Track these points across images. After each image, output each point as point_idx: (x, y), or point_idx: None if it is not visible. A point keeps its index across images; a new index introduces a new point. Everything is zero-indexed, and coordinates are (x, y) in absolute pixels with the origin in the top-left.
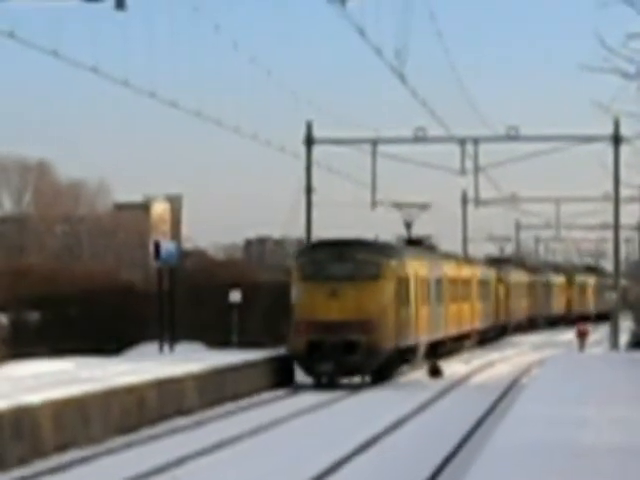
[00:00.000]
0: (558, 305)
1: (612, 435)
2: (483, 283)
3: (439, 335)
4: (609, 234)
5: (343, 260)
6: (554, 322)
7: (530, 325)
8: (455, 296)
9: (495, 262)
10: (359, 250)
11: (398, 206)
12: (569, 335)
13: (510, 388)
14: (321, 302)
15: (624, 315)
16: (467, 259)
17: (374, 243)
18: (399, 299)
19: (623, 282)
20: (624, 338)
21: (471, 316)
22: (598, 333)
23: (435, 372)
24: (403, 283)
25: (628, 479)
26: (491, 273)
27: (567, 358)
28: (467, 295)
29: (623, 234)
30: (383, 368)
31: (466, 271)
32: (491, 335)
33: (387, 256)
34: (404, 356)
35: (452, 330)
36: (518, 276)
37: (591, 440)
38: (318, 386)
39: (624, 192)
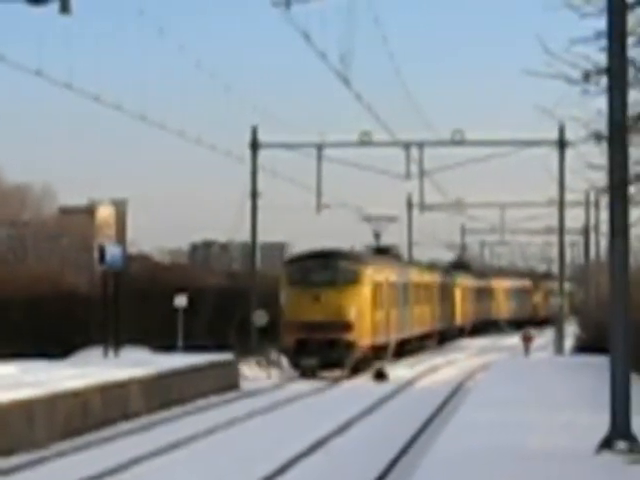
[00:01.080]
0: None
1: (557, 440)
2: (442, 288)
3: (406, 334)
4: (554, 238)
5: (326, 268)
6: (520, 324)
7: (487, 327)
8: (419, 300)
9: (453, 267)
10: (339, 259)
11: (367, 219)
12: (514, 339)
13: (455, 392)
14: (307, 305)
15: (570, 320)
16: (428, 266)
17: (352, 253)
18: (374, 302)
19: (568, 287)
20: (569, 342)
21: (432, 318)
22: (544, 337)
23: (380, 376)
24: (377, 288)
25: (569, 478)
26: (449, 279)
27: (512, 363)
28: (429, 299)
29: (568, 238)
30: (360, 363)
31: (427, 277)
32: (449, 335)
33: (363, 264)
34: (378, 352)
35: (417, 330)
36: (473, 281)
37: (536, 445)
38: (304, 378)
39: (569, 197)
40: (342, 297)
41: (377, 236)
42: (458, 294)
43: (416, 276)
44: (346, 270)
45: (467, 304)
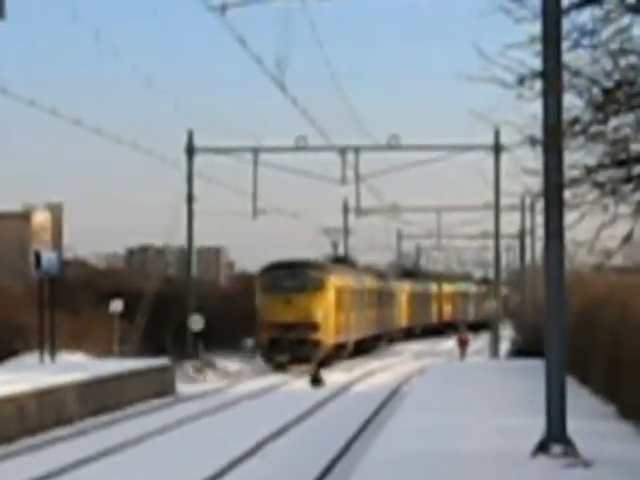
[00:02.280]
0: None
1: (491, 442)
2: (391, 294)
3: (362, 335)
4: (490, 243)
5: (295, 276)
6: (474, 327)
7: (443, 329)
8: (372, 304)
9: (403, 274)
10: (307, 268)
11: (326, 231)
12: (450, 343)
13: (391, 397)
14: (279, 308)
15: (505, 324)
16: (379, 273)
17: (317, 262)
18: (337, 306)
19: (504, 291)
20: (505, 346)
21: (383, 320)
22: (480, 341)
23: (316, 381)
24: (339, 293)
25: None
26: (398, 285)
27: (447, 367)
28: (380, 303)
29: (504, 243)
30: (325, 358)
31: (379, 283)
32: (398, 337)
33: (328, 272)
34: (339, 350)
35: (370, 331)
36: (421, 286)
37: (472, 448)
38: (277, 371)
39: (504, 201)
40: (310, 301)
41: (335, 246)
42: (406, 299)
43: (369, 282)
44: (313, 278)
45: (417, 308)
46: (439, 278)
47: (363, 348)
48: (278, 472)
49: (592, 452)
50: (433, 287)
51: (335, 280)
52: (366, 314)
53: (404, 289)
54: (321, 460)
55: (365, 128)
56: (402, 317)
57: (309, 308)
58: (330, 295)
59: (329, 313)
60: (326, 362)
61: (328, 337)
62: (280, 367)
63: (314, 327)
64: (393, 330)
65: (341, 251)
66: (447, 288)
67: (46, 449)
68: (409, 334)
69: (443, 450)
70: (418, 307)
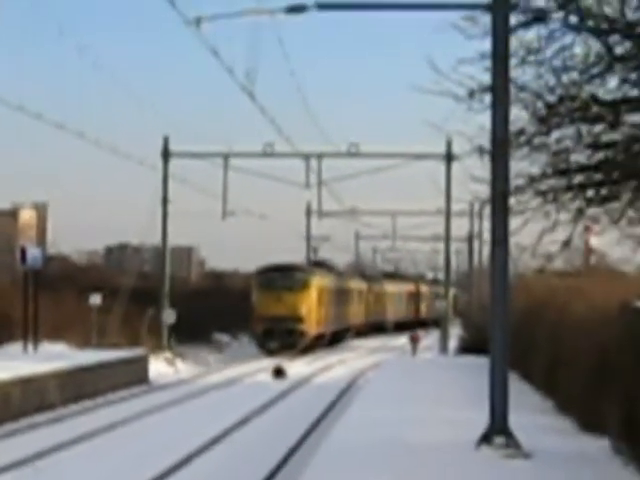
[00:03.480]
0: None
1: (439, 434)
2: (360, 292)
3: (337, 327)
4: (441, 246)
5: (285, 277)
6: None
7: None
8: (345, 301)
9: (384, 276)
10: (295, 270)
11: (306, 237)
12: (403, 340)
13: (348, 389)
14: (272, 304)
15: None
16: (350, 275)
17: (303, 266)
18: (319, 302)
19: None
20: (453, 343)
21: (353, 315)
22: (431, 338)
23: (279, 373)
24: (320, 292)
25: (451, 470)
26: (364, 285)
27: (400, 362)
28: (351, 300)
29: (454, 246)
30: (309, 346)
31: (350, 284)
32: (365, 330)
33: (312, 274)
34: (320, 339)
35: (343, 324)
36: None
37: (420, 439)
38: (270, 355)
39: (455, 206)
40: (297, 298)
41: (315, 251)
42: (371, 297)
43: (343, 283)
44: (299, 279)
45: (386, 305)
46: (416, 279)
47: (337, 338)
48: (244, 457)
49: (532, 444)
50: (406, 287)
51: (317, 280)
52: (341, 310)
53: (368, 288)
54: (282, 447)
55: (328, 136)
56: (364, 313)
57: (296, 304)
58: (313, 293)
59: (312, 308)
60: (309, 349)
61: (311, 328)
62: (271, 352)
63: (300, 320)
64: (361, 324)
65: (304, 252)
66: (423, 288)
67: (28, 433)
68: (375, 329)
69: (393, 440)
70: (379, 305)
